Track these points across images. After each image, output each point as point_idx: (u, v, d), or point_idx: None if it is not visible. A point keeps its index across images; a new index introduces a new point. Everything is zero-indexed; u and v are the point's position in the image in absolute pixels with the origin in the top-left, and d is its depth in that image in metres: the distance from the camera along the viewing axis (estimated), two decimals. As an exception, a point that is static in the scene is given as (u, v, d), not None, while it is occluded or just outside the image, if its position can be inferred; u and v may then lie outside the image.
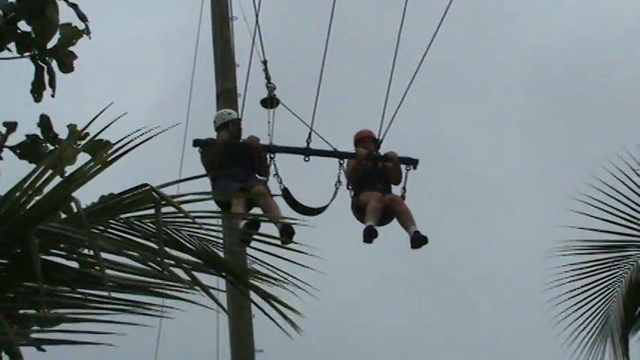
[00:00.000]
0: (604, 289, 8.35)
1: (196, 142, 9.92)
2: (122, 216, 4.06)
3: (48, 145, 5.28)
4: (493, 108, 22.58)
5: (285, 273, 4.37)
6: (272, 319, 4.24)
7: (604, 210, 8.13)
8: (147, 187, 4.00)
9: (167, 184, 4.26)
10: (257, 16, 10.47)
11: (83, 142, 5.05)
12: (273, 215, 9.45)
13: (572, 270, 8.30)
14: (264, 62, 10.66)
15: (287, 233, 9.20)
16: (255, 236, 4.67)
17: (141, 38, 23.95)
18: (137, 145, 4.14)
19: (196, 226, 4.25)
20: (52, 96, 5.14)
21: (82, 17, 5.30)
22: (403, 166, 10.25)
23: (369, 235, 9.69)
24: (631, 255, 8.23)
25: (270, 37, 10.83)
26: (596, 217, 8.15)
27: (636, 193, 8.11)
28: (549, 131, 21.84)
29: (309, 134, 10.14)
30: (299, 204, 10.01)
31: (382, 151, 10.44)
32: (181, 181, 4.56)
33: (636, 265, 8.18)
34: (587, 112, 20.81)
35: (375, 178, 10.22)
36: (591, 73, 22.17)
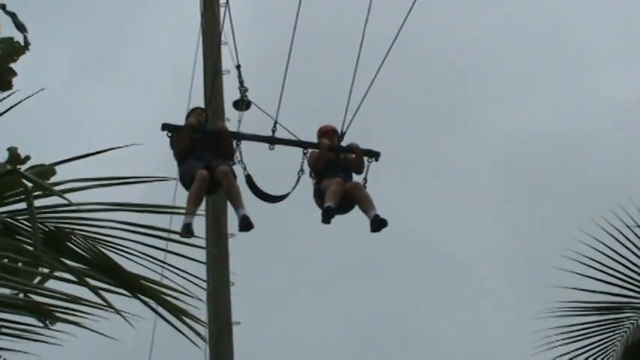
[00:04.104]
0: (598, 353, 7.83)
1: (165, 126, 10.30)
2: None
3: None
4: (468, 194, 23.61)
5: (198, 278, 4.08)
6: (178, 330, 4.00)
7: (597, 269, 7.66)
8: (15, 172, 3.64)
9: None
10: (230, 20, 10.84)
11: (25, 166, 4.74)
12: (235, 202, 9.82)
13: (563, 333, 7.74)
14: (238, 67, 11.12)
15: (245, 225, 9.62)
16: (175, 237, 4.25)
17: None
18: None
19: (78, 220, 3.82)
20: None
21: (21, 27, 4.98)
22: (365, 158, 10.63)
23: (327, 215, 10.03)
24: (627, 317, 7.72)
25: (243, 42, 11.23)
26: (588, 277, 7.68)
27: (632, 252, 7.62)
28: (523, 213, 22.75)
29: (274, 124, 10.53)
30: (261, 191, 10.41)
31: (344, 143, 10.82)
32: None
33: (633, 328, 7.68)
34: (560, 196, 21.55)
35: (337, 168, 10.61)
36: (562, 162, 23.37)
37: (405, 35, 9.92)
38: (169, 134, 10.30)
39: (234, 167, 10.24)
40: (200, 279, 4.17)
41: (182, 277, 4.07)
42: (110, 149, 4.13)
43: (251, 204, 9.97)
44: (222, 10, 11.10)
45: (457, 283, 21.99)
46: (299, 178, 10.48)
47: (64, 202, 3.78)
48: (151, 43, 26.36)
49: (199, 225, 9.87)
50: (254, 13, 17.65)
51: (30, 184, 3.72)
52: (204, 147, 10.26)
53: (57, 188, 3.83)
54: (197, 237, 4.21)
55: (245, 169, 10.32)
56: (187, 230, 9.17)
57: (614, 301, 7.74)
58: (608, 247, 7.64)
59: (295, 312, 20.92)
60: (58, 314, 3.66)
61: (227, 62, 11.27)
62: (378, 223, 9.99)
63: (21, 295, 3.70)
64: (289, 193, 10.46)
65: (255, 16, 17.63)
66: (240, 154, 10.36)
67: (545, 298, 7.58)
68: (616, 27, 25.48)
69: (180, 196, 10.16)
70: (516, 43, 25.46)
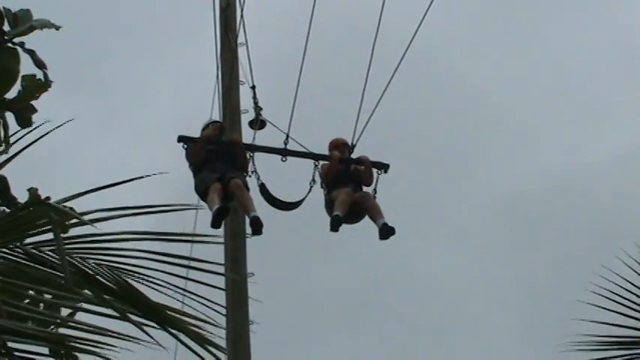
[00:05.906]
0: None
1: (181, 138, 10.65)
2: (17, 243, 3.65)
3: (4, 208, 4.79)
4: (472, 239, 24.00)
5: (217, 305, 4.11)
6: (199, 356, 4.00)
7: (619, 303, 7.48)
8: (43, 203, 3.66)
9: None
10: (246, 40, 11.19)
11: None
12: (247, 208, 10.16)
13: None
14: (253, 87, 11.43)
15: (257, 225, 9.97)
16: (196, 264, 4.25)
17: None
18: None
19: (104, 251, 3.85)
20: (5, 152, 4.66)
21: (40, 64, 4.87)
22: (374, 170, 10.95)
23: (335, 224, 10.31)
24: None
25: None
26: (611, 311, 7.48)
27: None
28: (527, 255, 22.84)
29: (286, 137, 10.88)
30: (275, 199, 10.73)
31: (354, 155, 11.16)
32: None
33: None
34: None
35: (347, 179, 10.90)
36: (564, 204, 23.55)
37: (407, 79, 10.24)
38: (185, 146, 10.67)
39: (248, 179, 10.62)
40: (219, 305, 4.21)
41: (203, 303, 4.15)
42: (139, 177, 4.21)
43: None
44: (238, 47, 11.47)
45: (467, 326, 22.38)
46: (310, 188, 10.81)
47: (88, 232, 3.93)
48: (159, 96, 26.87)
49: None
50: (264, 41, 18.13)
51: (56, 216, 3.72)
52: (218, 158, 10.61)
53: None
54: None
55: (259, 178, 10.65)
56: (221, 210, 9.67)
57: (635, 335, 7.57)
58: (627, 281, 7.53)
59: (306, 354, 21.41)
60: (79, 346, 3.67)
61: (244, 103, 11.61)
62: (386, 232, 10.24)
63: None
64: (303, 200, 10.78)
65: (265, 48, 18.06)
66: (254, 165, 10.72)
67: (560, 333, 7.59)
68: (619, 76, 25.88)
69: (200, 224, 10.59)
70: (519, 89, 25.93)
